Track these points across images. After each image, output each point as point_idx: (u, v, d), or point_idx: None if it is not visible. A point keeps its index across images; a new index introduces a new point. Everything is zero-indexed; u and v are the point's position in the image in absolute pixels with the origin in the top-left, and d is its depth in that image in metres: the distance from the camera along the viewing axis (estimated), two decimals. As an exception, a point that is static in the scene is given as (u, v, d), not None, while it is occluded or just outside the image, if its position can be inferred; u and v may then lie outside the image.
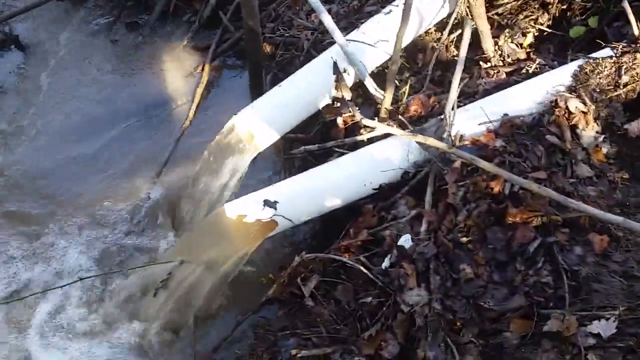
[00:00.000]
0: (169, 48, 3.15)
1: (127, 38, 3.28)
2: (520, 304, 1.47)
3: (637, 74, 1.98)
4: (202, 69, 2.94)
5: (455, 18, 2.36)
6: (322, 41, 2.56)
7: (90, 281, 2.20)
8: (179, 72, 3.01)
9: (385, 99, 2.09)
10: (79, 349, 2.02)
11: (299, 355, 1.73)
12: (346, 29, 2.39)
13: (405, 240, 1.77)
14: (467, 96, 2.12)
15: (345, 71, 2.24)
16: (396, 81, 2.21)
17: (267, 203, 1.87)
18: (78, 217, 2.43)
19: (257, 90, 2.59)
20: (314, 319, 1.81)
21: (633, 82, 1.97)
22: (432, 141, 1.81)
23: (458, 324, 1.51)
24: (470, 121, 1.95)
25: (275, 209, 1.86)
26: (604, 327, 1.31)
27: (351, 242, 1.87)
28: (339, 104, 2.27)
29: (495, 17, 2.45)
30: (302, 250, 1.92)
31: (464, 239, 1.66)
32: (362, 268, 1.74)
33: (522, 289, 1.50)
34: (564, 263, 1.51)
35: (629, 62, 1.99)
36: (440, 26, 2.47)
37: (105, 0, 3.43)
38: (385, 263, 1.76)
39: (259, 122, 2.13)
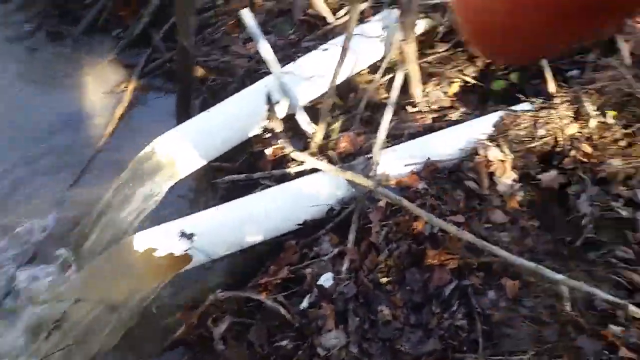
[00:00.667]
0: (92, 62, 2.98)
1: (48, 48, 3.08)
2: (435, 347, 1.46)
3: (551, 128, 2.10)
4: (126, 87, 2.80)
5: (388, 62, 2.43)
6: (257, 70, 2.53)
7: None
8: (101, 89, 2.85)
9: (317, 133, 2.08)
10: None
11: (203, 402, 1.61)
12: (282, 61, 2.38)
13: (326, 279, 1.73)
14: (394, 137, 2.15)
15: (278, 102, 2.22)
16: (328, 117, 2.21)
17: (183, 234, 1.76)
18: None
19: (184, 114, 2.49)
20: (224, 364, 1.70)
21: (548, 136, 2.10)
22: (359, 179, 1.80)
23: (373, 368, 1.47)
24: (396, 162, 1.98)
25: (192, 241, 1.75)
26: (513, 373, 1.32)
27: (270, 279, 1.80)
28: (269, 135, 2.23)
29: (425, 64, 2.56)
30: (215, 287, 1.81)
31: (384, 280, 1.65)
32: (280, 308, 1.67)
33: (437, 332, 1.49)
34: (477, 307, 1.53)
35: (545, 116, 2.12)
36: (373, 69, 2.54)
37: (28, 5, 3.22)
38: (304, 303, 1.70)
39: (182, 147, 2.04)
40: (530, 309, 1.53)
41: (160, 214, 2.06)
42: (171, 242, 1.72)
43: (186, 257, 1.72)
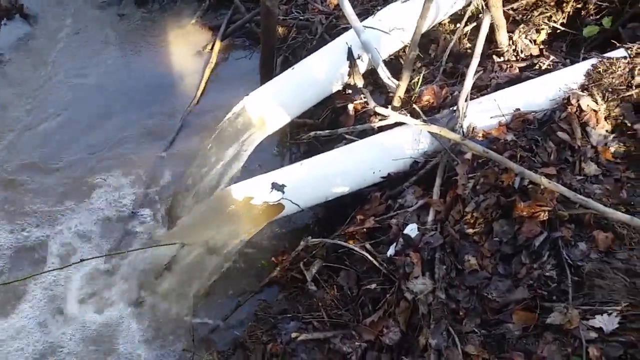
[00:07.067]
0: (177, 25, 3.13)
1: (136, 13, 3.26)
2: (523, 296, 1.49)
3: (650, 75, 1.98)
4: (212, 48, 2.92)
5: (472, 10, 2.36)
6: (336, 26, 2.55)
7: (94, 262, 2.19)
8: (188, 50, 3.00)
9: (400, 87, 2.09)
10: (82, 323, 2.03)
11: (299, 338, 1.75)
12: (361, 15, 2.38)
13: (412, 229, 1.79)
14: (479, 89, 2.12)
15: (359, 57, 2.24)
16: (411, 70, 2.20)
17: (275, 186, 1.87)
18: (79, 193, 2.41)
19: (267, 73, 2.58)
20: (315, 304, 1.83)
21: (645, 84, 1.98)
22: (445, 132, 1.81)
23: (461, 313, 1.53)
24: (482, 114, 1.96)
25: (283, 192, 1.86)
26: (606, 321, 1.33)
27: (357, 228, 1.89)
28: (350, 91, 2.27)
29: (511, 12, 2.45)
30: (304, 235, 1.93)
31: (471, 231, 1.68)
32: (367, 255, 1.75)
33: (525, 282, 1.51)
34: (568, 258, 1.52)
35: (642, 63, 1.99)
36: (454, 18, 2.47)
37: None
38: (391, 251, 1.77)
39: (271, 105, 2.13)
40: (624, 261, 1.50)
41: (249, 168, 2.19)
42: (265, 192, 1.84)
43: (279, 206, 1.84)
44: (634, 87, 1.98)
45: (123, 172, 2.48)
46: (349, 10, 2.20)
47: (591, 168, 1.78)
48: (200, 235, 1.97)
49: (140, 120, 2.69)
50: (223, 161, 2.16)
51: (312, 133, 2.08)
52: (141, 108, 2.74)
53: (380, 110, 1.93)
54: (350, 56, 2.21)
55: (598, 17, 2.39)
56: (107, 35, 3.15)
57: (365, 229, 1.88)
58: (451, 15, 2.47)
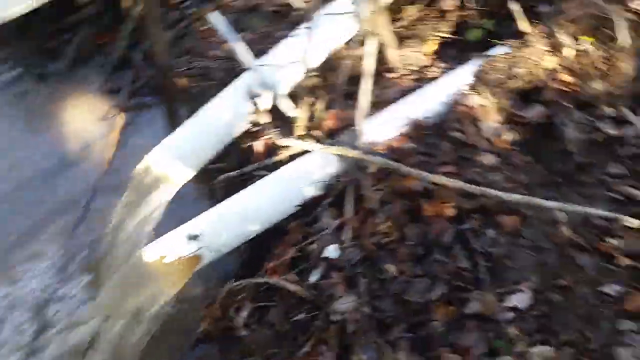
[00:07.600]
0: (81, 94, 3.07)
1: (38, 89, 3.17)
2: (442, 291, 1.51)
3: (529, 65, 2.12)
4: (117, 112, 2.89)
5: (362, 34, 2.46)
6: (235, 68, 2.59)
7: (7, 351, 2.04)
8: (94, 117, 2.94)
9: (300, 115, 2.13)
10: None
11: (238, 388, 1.67)
12: (259, 55, 2.43)
13: (332, 251, 1.78)
14: (376, 105, 2.18)
15: (259, 95, 2.27)
16: (311, 99, 2.25)
17: (189, 237, 1.82)
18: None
19: (174, 126, 2.56)
20: (250, 349, 1.76)
21: (526, 74, 2.11)
22: (346, 151, 1.85)
23: (387, 322, 1.52)
24: (381, 128, 2.02)
25: (198, 242, 1.81)
26: (520, 299, 1.36)
27: (279, 261, 1.86)
28: (256, 129, 2.29)
29: (401, 29, 2.58)
30: (230, 280, 1.87)
31: (386, 240, 1.69)
32: (291, 286, 1.72)
33: (442, 278, 1.53)
34: (478, 247, 1.56)
35: (522, 55, 2.14)
36: (350, 44, 2.57)
37: (10, 52, 3.32)
38: (315, 277, 1.75)
39: (174, 158, 2.10)
40: (530, 239, 1.55)
41: (167, 223, 2.12)
42: (179, 247, 1.79)
43: (195, 258, 1.78)
44: (517, 78, 2.11)
45: (36, 253, 2.35)
46: (241, 51, 2.25)
47: (488, 159, 1.85)
48: (122, 304, 1.88)
49: (49, 194, 2.58)
50: (136, 222, 2.10)
51: (222, 177, 2.07)
52: (49, 183, 2.64)
53: (282, 141, 1.95)
54: (250, 95, 2.24)
55: (481, 21, 2.56)
56: (8, 116, 3.05)
57: (287, 260, 1.85)
58: (347, 42, 2.56)
